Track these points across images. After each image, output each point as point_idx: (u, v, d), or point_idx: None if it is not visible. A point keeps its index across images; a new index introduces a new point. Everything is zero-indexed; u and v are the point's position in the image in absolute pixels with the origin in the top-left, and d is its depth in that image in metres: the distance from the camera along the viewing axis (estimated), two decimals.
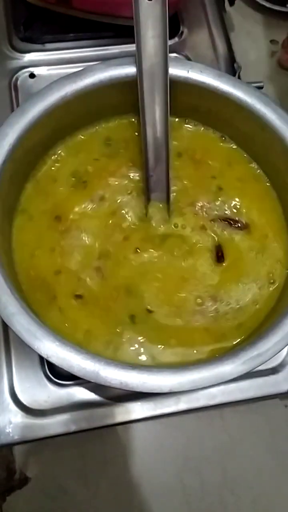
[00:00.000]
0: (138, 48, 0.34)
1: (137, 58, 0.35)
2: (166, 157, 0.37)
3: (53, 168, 0.39)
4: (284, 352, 0.44)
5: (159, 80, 0.35)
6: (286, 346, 0.30)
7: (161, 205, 0.38)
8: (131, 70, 0.36)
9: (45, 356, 0.30)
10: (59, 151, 0.40)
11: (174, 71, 0.36)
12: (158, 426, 0.44)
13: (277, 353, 0.30)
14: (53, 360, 0.30)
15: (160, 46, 0.34)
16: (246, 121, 0.37)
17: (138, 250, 0.37)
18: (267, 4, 0.61)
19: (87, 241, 0.37)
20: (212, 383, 0.30)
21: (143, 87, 0.35)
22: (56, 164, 0.39)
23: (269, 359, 0.30)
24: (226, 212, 0.39)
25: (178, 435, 0.45)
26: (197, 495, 0.44)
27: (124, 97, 0.38)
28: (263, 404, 0.46)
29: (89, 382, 0.32)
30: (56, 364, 0.30)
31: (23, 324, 0.30)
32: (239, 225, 0.39)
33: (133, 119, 0.40)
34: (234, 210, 0.39)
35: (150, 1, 0.33)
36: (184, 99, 0.38)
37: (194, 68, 0.36)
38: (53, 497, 0.43)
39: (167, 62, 0.35)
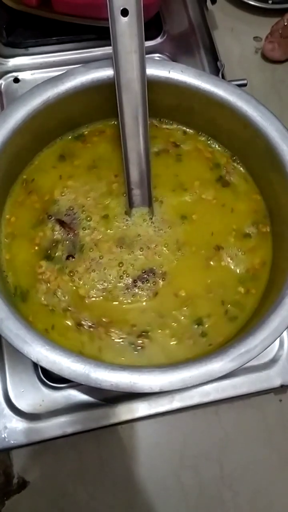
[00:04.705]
0: (116, 63, 0.34)
1: (115, 73, 0.35)
2: (147, 170, 0.37)
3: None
4: (275, 347, 0.44)
5: (138, 94, 0.35)
6: (273, 342, 0.31)
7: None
8: (112, 72, 0.36)
9: (35, 360, 0.30)
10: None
11: (155, 71, 0.36)
12: (154, 425, 0.44)
13: (265, 349, 0.31)
14: (43, 364, 0.30)
15: (137, 61, 0.34)
16: (229, 120, 0.37)
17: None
18: (250, 1, 0.61)
19: None
20: (202, 381, 0.30)
21: (122, 101, 0.35)
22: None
23: (257, 355, 0.30)
24: None
25: (175, 433, 0.45)
26: (195, 492, 0.44)
27: (107, 99, 0.38)
28: (258, 399, 0.46)
29: (82, 384, 0.32)
30: (46, 367, 0.30)
31: (12, 329, 0.30)
32: None
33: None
34: None
35: (125, 18, 0.33)
36: (166, 100, 0.38)
37: (175, 68, 0.36)
38: (52, 500, 0.43)
39: (145, 77, 0.35)
